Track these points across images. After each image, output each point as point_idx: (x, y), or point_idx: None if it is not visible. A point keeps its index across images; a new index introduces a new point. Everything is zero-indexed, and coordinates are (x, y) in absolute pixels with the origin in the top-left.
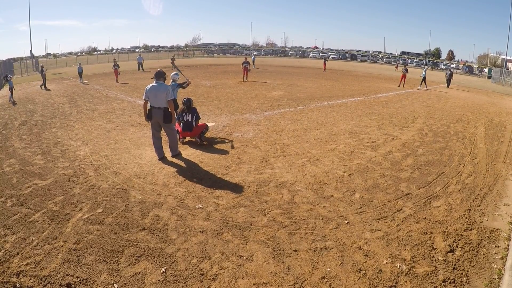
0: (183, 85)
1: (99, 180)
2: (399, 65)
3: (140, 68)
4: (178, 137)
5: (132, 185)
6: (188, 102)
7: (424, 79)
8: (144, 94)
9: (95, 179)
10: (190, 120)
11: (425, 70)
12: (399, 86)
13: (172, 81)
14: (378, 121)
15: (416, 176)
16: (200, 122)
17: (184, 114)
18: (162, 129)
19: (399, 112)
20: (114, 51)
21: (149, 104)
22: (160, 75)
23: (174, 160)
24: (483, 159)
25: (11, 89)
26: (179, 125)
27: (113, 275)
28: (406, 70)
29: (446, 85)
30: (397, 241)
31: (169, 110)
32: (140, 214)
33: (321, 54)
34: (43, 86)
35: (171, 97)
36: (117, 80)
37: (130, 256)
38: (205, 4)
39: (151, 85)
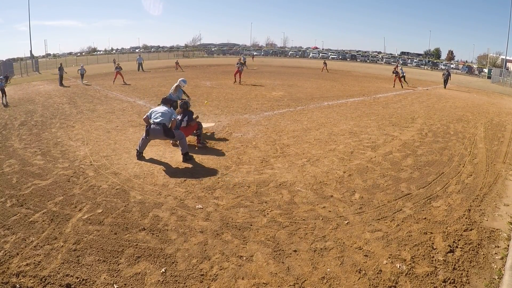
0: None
1: (99, 181)
2: (398, 65)
3: (140, 68)
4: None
5: (132, 186)
6: (185, 105)
7: (403, 77)
8: (149, 112)
9: (95, 180)
10: (180, 119)
11: (401, 68)
12: (393, 86)
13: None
14: (378, 121)
15: (416, 176)
16: (204, 124)
17: (178, 115)
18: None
19: (399, 112)
20: (114, 51)
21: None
22: (166, 102)
23: (174, 160)
24: (483, 159)
25: (2, 90)
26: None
27: (113, 276)
28: (396, 73)
29: (443, 85)
30: (397, 241)
31: (169, 127)
32: (140, 215)
33: (321, 54)
34: (60, 83)
35: (175, 117)
36: (114, 81)
37: (130, 257)
38: (205, 4)
39: (158, 107)
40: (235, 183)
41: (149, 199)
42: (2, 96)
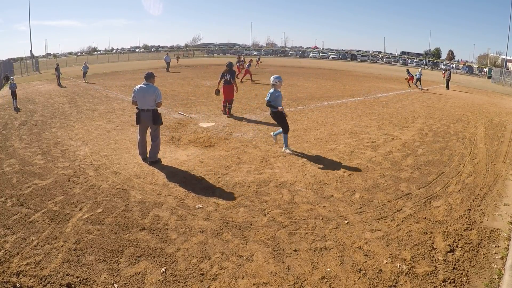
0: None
1: (99, 180)
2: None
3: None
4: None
5: (132, 185)
6: (230, 65)
7: (418, 79)
8: (132, 95)
9: (95, 179)
10: (229, 79)
11: (421, 70)
12: (409, 87)
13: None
14: (378, 121)
15: (416, 176)
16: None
17: (226, 74)
18: (148, 132)
19: (399, 112)
20: (114, 51)
21: (136, 108)
22: (149, 77)
23: (174, 160)
24: (483, 159)
25: (14, 93)
26: (221, 81)
27: (113, 275)
28: (410, 74)
29: (445, 86)
30: (397, 241)
31: (158, 112)
32: (140, 214)
33: (320, 54)
34: (59, 84)
35: (159, 99)
36: (243, 77)
37: (130, 256)
38: (205, 4)
39: (139, 86)
40: (235, 183)
41: (149, 198)
42: (13, 99)
